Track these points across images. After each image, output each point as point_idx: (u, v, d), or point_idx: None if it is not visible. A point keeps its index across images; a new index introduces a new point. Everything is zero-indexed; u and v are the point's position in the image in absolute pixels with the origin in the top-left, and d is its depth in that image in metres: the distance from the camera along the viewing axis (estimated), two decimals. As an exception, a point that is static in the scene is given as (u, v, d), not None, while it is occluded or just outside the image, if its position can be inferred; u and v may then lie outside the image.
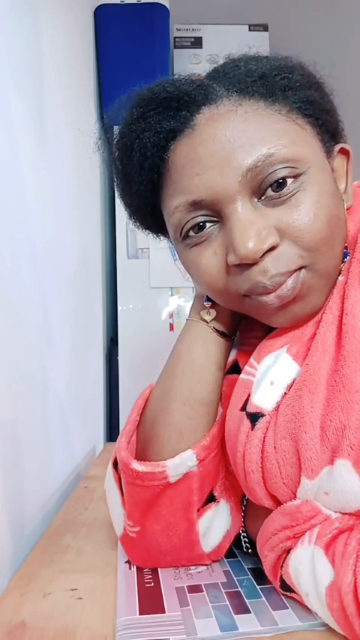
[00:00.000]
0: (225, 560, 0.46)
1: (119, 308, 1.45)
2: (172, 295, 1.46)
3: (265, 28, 1.70)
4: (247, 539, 0.46)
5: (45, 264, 0.74)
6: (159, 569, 0.45)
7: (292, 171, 0.37)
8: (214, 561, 0.46)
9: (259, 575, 0.43)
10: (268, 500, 0.40)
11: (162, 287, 1.45)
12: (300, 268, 0.38)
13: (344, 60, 1.68)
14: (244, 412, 0.41)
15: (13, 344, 0.58)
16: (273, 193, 0.38)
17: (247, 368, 0.44)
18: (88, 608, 0.40)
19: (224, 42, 1.71)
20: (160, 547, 0.44)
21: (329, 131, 0.42)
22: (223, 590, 0.41)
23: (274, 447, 0.38)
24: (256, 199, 0.38)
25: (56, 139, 0.86)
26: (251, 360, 0.44)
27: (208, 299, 0.47)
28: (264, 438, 0.39)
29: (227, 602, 0.39)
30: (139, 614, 0.38)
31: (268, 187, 0.38)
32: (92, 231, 1.26)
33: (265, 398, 0.40)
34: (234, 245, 0.37)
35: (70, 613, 0.40)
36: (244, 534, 0.46)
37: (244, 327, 0.49)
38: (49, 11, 0.83)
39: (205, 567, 0.45)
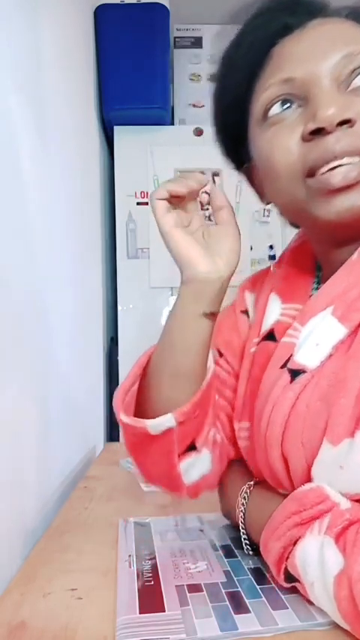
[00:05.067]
0: (225, 559, 0.47)
1: (119, 308, 1.45)
2: (172, 295, 1.46)
3: (265, 28, 1.69)
4: (247, 540, 0.46)
5: (45, 264, 0.74)
6: (159, 568, 0.45)
7: None
8: (191, 497, 0.51)
9: (259, 575, 0.43)
10: (279, 462, 0.41)
11: (162, 287, 1.45)
12: None
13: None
14: (285, 369, 0.43)
15: (13, 344, 0.58)
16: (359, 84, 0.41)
17: (290, 332, 0.45)
18: (88, 608, 0.40)
19: (224, 42, 1.71)
20: (150, 474, 0.51)
21: None
22: (223, 590, 0.41)
23: (307, 406, 0.40)
24: (343, 89, 0.41)
25: (56, 138, 0.86)
26: (295, 324, 0.45)
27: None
28: (300, 393, 0.40)
29: (227, 602, 0.39)
30: (139, 613, 0.38)
31: (355, 77, 0.41)
32: (92, 231, 1.26)
33: (308, 356, 0.42)
34: (316, 111, 0.40)
35: (70, 613, 0.40)
36: (245, 536, 0.46)
37: (285, 297, 0.50)
38: (50, 11, 0.83)
39: (205, 566, 0.45)
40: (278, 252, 1.51)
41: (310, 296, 0.48)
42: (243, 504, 0.47)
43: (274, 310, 0.50)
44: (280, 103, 0.43)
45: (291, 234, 1.77)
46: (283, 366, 0.43)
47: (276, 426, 0.41)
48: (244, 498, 0.47)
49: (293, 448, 0.40)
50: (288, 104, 0.43)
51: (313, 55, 0.42)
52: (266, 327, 0.50)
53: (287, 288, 0.50)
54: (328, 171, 0.39)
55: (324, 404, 0.39)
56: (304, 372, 0.41)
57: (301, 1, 0.46)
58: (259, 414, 0.44)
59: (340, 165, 0.39)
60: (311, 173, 0.41)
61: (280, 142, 0.42)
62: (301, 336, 0.43)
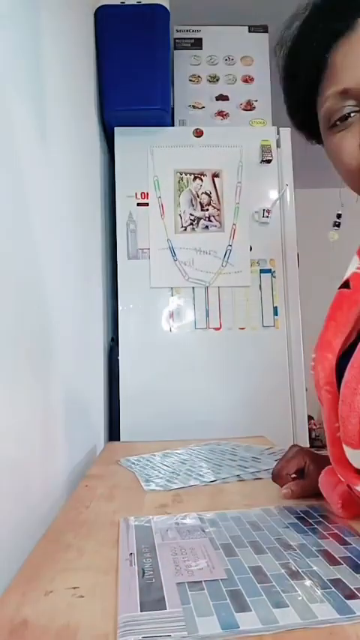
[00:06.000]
0: (225, 558, 0.47)
1: (120, 308, 1.46)
2: (172, 295, 1.46)
3: (265, 29, 1.70)
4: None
5: (46, 265, 0.74)
6: (160, 566, 0.45)
7: None
8: None
9: (260, 574, 0.43)
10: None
11: (162, 287, 1.46)
12: None
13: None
14: None
15: (14, 343, 0.58)
16: None
17: None
18: (89, 606, 0.40)
19: (224, 43, 1.72)
20: None
21: None
22: (224, 588, 0.41)
23: None
24: None
25: (57, 139, 0.86)
26: None
27: None
28: None
29: (228, 600, 0.39)
30: (140, 611, 0.38)
31: None
32: (93, 232, 1.26)
33: None
34: None
35: (72, 611, 0.40)
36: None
37: None
38: (50, 12, 0.84)
39: (205, 564, 0.45)
40: (276, 253, 1.52)
41: None
42: None
43: (353, 265, 0.57)
44: (339, 115, 0.48)
45: (290, 235, 1.77)
46: None
47: None
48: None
49: None
50: (347, 116, 0.48)
51: None
52: (344, 278, 0.57)
53: None
54: None
55: None
56: None
57: (340, 3, 0.48)
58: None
59: None
60: None
61: (344, 148, 0.49)
62: None
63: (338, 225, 0.64)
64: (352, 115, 0.48)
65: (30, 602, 0.41)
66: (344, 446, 0.49)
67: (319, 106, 0.51)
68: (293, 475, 0.65)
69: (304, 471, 0.64)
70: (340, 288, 0.57)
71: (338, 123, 0.49)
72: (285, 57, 0.53)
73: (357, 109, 0.48)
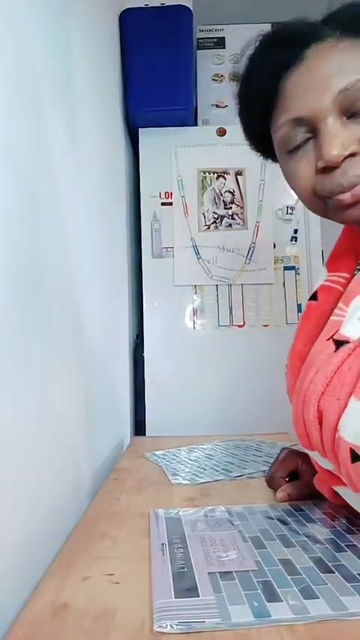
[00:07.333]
0: (255, 550, 0.48)
1: (144, 306, 1.48)
2: (195, 293, 1.47)
3: (288, 25, 1.69)
4: None
5: (74, 264, 0.77)
6: (191, 556, 0.47)
7: None
8: None
9: (290, 566, 0.44)
10: (314, 417, 0.47)
11: (186, 285, 1.47)
12: None
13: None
14: (332, 340, 0.49)
15: (43, 342, 0.61)
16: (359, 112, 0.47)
17: (336, 311, 0.52)
18: (125, 592, 0.42)
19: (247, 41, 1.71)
20: None
21: None
22: (255, 579, 0.42)
23: (349, 368, 0.46)
24: (345, 117, 0.48)
25: (85, 141, 0.88)
26: (340, 304, 0.52)
27: None
28: (343, 360, 0.47)
29: (259, 590, 0.40)
30: (174, 598, 0.39)
31: (356, 109, 0.47)
32: (118, 232, 1.28)
33: (352, 330, 0.48)
34: (322, 152, 0.48)
35: (109, 596, 0.41)
36: None
37: (332, 267, 0.59)
38: (78, 17, 0.86)
39: (235, 555, 0.47)
40: (302, 249, 1.51)
41: (354, 272, 0.55)
42: None
43: (321, 277, 0.59)
44: (294, 142, 0.51)
45: (315, 231, 1.75)
46: (329, 338, 0.50)
47: (317, 385, 0.47)
48: None
49: (328, 403, 0.46)
50: (301, 143, 0.50)
51: (314, 92, 0.48)
52: (312, 290, 0.59)
53: (334, 261, 0.59)
54: (340, 193, 0.48)
55: None
56: (347, 342, 0.47)
57: (290, 36, 0.51)
58: (303, 376, 0.50)
59: (349, 186, 0.48)
60: (328, 197, 0.50)
61: (299, 173, 0.51)
62: (347, 314, 0.50)
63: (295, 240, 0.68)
64: (306, 141, 0.50)
65: (69, 587, 0.43)
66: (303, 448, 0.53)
67: (273, 132, 0.54)
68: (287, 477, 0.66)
69: (297, 473, 0.65)
70: (309, 300, 0.59)
71: (293, 148, 0.51)
72: (239, 84, 0.57)
73: (310, 135, 0.50)
